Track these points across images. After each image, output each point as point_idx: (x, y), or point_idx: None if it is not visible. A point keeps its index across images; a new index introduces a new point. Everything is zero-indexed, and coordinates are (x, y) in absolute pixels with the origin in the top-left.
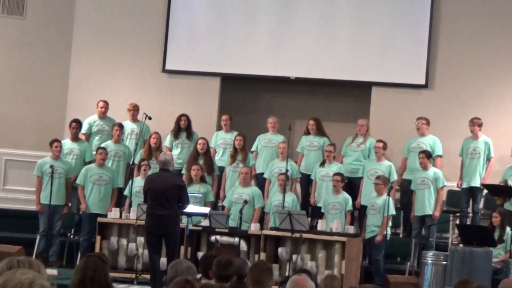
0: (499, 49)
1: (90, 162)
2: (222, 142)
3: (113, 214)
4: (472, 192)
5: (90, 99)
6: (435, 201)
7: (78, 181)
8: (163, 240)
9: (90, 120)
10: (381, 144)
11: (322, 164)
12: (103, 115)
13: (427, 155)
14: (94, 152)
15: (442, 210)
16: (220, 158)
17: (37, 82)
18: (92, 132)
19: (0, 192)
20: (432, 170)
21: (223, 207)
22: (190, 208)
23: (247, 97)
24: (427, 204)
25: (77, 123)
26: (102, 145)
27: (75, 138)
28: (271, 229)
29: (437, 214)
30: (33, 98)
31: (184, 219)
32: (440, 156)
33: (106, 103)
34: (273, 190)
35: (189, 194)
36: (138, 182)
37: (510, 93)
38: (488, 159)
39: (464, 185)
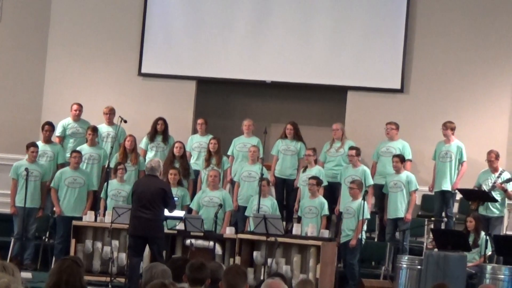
0: (474, 54)
1: (62, 165)
2: (197, 145)
3: (88, 217)
4: (444, 196)
5: (66, 101)
6: (407, 204)
7: (52, 184)
8: (145, 243)
9: (64, 122)
10: (353, 152)
11: (304, 170)
12: (77, 118)
13: (401, 159)
14: (68, 155)
15: (417, 214)
16: (195, 162)
17: (12, 84)
18: (66, 135)
19: None
20: (405, 174)
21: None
22: (165, 212)
23: (223, 101)
24: (399, 207)
25: (50, 126)
26: (77, 149)
27: (47, 141)
28: (246, 233)
29: (409, 217)
30: (8, 100)
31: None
32: (410, 160)
33: (80, 106)
34: (243, 192)
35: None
36: (114, 185)
37: (484, 98)
38: (461, 163)
39: (436, 189)
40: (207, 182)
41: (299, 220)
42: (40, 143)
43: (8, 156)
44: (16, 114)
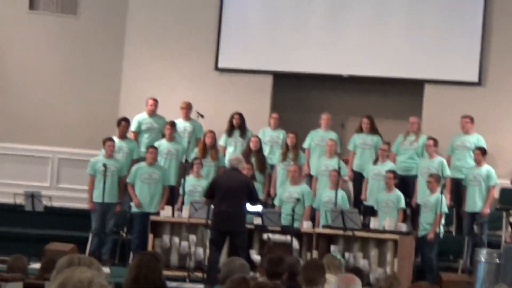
0: None
1: (137, 160)
2: (269, 139)
3: (166, 212)
4: None
5: (143, 97)
6: (485, 198)
7: (128, 180)
8: (226, 237)
9: (140, 118)
10: (431, 142)
11: (375, 162)
12: (152, 113)
13: (482, 152)
14: (143, 150)
15: (496, 207)
16: (268, 156)
17: (90, 80)
18: (141, 130)
19: (53, 190)
20: (485, 167)
21: (273, 205)
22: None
23: (299, 95)
24: (477, 200)
25: (126, 122)
26: (155, 144)
27: (123, 136)
28: (324, 227)
29: (486, 211)
30: (86, 96)
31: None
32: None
33: (155, 101)
34: (321, 186)
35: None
36: (191, 181)
37: None
38: None
39: None
40: (287, 177)
41: (371, 212)
42: (115, 139)
43: (85, 151)
44: (93, 110)
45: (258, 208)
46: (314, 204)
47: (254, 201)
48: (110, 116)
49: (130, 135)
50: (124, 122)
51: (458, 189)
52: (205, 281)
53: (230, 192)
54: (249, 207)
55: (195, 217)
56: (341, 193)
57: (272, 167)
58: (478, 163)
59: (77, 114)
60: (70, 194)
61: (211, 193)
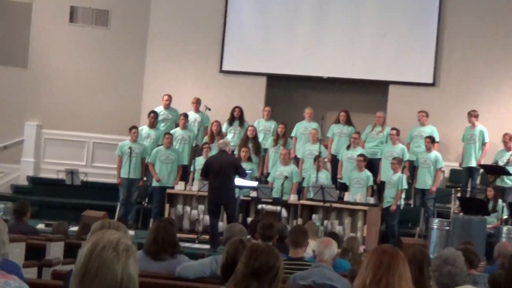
0: (498, 51)
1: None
2: (262, 128)
3: (179, 187)
4: (471, 171)
5: (161, 93)
6: (433, 179)
7: (150, 160)
8: (221, 208)
9: (157, 110)
10: (394, 132)
11: (348, 147)
12: (167, 106)
13: (432, 140)
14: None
15: (446, 185)
16: (262, 142)
17: (118, 79)
18: (158, 120)
19: (89, 168)
20: (433, 153)
21: (266, 182)
22: (241, 182)
23: (288, 93)
24: (427, 180)
25: (155, 114)
26: (171, 132)
27: (152, 126)
28: (307, 199)
29: (434, 189)
30: (115, 92)
31: (236, 191)
32: (437, 142)
33: (169, 96)
34: (307, 167)
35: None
36: (200, 161)
37: (503, 88)
38: (483, 144)
39: (464, 165)
40: (279, 159)
41: (345, 188)
42: (145, 128)
43: (114, 137)
44: (121, 104)
45: (254, 183)
46: (304, 183)
47: (242, 176)
48: (134, 108)
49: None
50: (153, 114)
51: (414, 170)
52: (210, 243)
53: (221, 171)
54: (242, 181)
55: (203, 191)
56: (325, 173)
57: (265, 151)
58: (428, 149)
59: (108, 107)
60: (102, 171)
61: (205, 172)
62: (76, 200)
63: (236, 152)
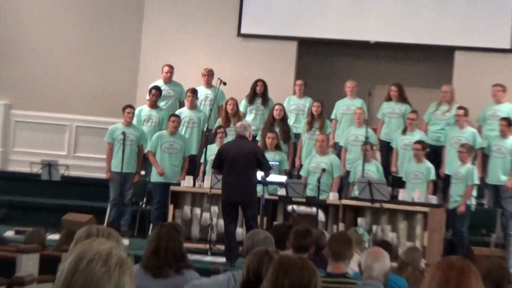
0: None
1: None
2: (294, 108)
3: (186, 183)
4: None
5: (163, 65)
6: (509, 172)
7: (149, 148)
8: (239, 209)
9: (155, 85)
10: (461, 111)
11: (404, 132)
12: (168, 80)
13: (509, 122)
14: None
15: None
16: (293, 125)
17: (109, 47)
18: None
19: (71, 159)
20: (510, 139)
21: (299, 176)
22: (264, 176)
23: (325, 62)
24: (500, 174)
25: (157, 90)
26: (176, 112)
27: (153, 105)
28: (351, 199)
29: (510, 185)
30: (105, 64)
31: (260, 188)
32: None
33: (171, 68)
34: (353, 157)
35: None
36: (213, 150)
37: None
38: None
39: None
40: (314, 147)
41: (400, 183)
42: (145, 108)
43: (103, 119)
44: (112, 78)
45: (282, 178)
46: (349, 178)
47: (265, 169)
48: (129, 84)
49: (146, 103)
50: (155, 91)
51: (486, 160)
52: (226, 255)
53: (238, 162)
54: (266, 175)
55: (217, 188)
56: (375, 165)
57: (297, 136)
58: (504, 134)
59: (95, 81)
60: (88, 163)
61: (219, 163)
62: (55, 200)
63: (258, 139)
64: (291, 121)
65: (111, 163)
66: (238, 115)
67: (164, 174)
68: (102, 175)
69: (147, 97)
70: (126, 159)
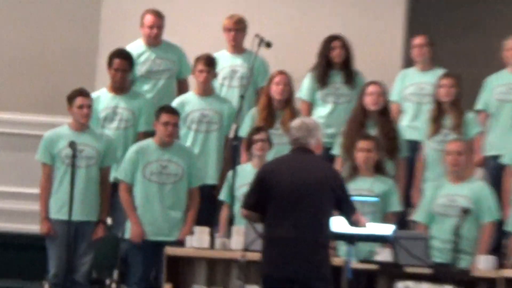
0: None
1: (146, 134)
2: (410, 92)
3: (197, 240)
4: None
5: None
6: None
7: (120, 176)
8: None
9: (133, 50)
10: None
11: None
12: (154, 40)
13: None
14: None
15: None
16: (409, 124)
17: None
18: (135, 75)
19: None
20: None
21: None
22: (347, 226)
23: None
24: None
25: (126, 60)
26: (173, 103)
27: (121, 88)
28: None
29: None
30: (33, 15)
31: (342, 250)
32: None
33: (158, 18)
34: None
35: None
36: (247, 172)
37: None
38: None
39: None
40: (443, 164)
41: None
42: (105, 93)
43: (36, 118)
44: (48, 44)
45: (388, 229)
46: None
47: (351, 212)
48: (83, 50)
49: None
50: (120, 61)
51: None
52: None
53: (295, 200)
54: (353, 225)
55: (255, 249)
56: None
57: (416, 146)
58: None
59: (22, 55)
60: (4, 205)
61: (257, 200)
62: None
63: (337, 152)
64: (406, 117)
65: (50, 203)
66: (290, 105)
67: (149, 228)
68: (33, 228)
69: (109, 74)
70: (79, 195)
